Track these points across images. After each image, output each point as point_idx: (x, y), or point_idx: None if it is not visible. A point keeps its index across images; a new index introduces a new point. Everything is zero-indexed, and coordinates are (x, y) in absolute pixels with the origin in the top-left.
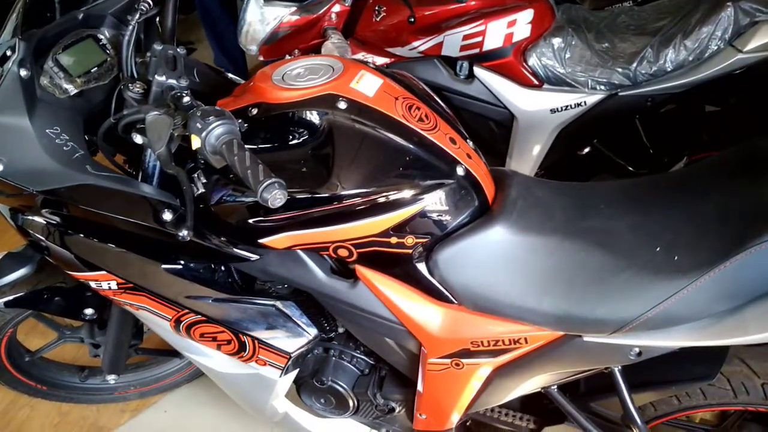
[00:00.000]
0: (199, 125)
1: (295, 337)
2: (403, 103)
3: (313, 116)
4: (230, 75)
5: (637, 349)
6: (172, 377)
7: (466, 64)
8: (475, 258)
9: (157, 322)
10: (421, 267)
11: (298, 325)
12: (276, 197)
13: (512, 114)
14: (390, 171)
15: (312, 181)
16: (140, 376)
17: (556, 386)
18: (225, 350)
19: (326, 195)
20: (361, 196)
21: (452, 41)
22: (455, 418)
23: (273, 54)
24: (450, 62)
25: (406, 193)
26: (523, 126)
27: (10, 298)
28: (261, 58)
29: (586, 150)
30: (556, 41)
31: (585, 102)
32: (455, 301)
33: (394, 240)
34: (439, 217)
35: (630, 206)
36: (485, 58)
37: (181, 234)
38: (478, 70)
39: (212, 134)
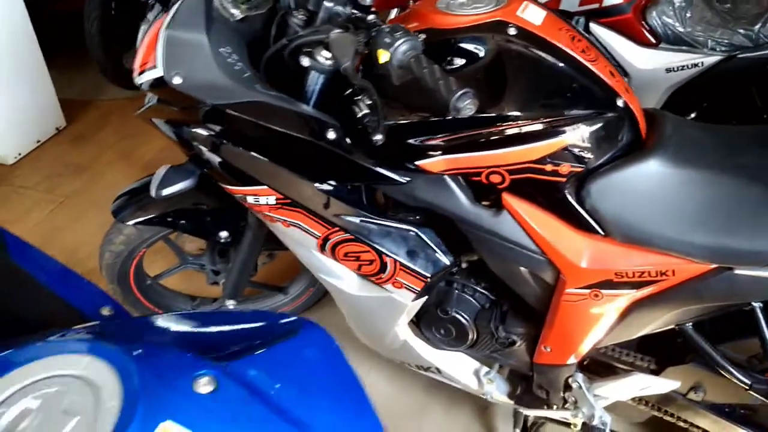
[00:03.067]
0: (387, 40)
1: (432, 264)
2: (567, 34)
3: (483, 41)
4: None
5: None
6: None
7: (582, 20)
8: (630, 189)
9: (303, 241)
10: (571, 197)
11: (435, 252)
12: (468, 106)
13: (626, 72)
14: (554, 98)
15: (479, 103)
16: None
17: (691, 324)
18: (365, 270)
19: (491, 117)
20: (525, 120)
21: None
22: (581, 352)
23: (385, 5)
24: (565, 17)
25: (568, 121)
26: (636, 84)
27: (153, 215)
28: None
29: (693, 114)
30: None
31: (702, 63)
32: (601, 232)
33: (549, 167)
34: (596, 148)
35: None
36: (603, 14)
37: (375, 138)
38: (593, 26)
39: (400, 49)
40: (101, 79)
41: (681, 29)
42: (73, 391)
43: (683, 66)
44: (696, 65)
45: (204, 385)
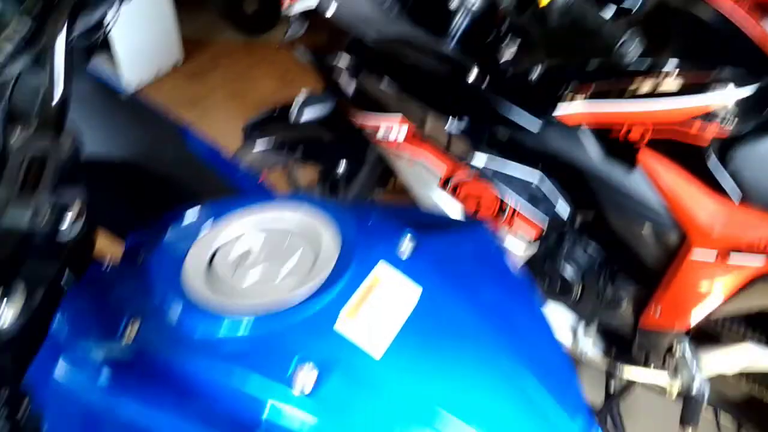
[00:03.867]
0: None
1: (550, 213)
2: None
3: None
4: None
5: None
6: None
7: None
8: None
9: (425, 178)
10: (712, 160)
11: (555, 203)
12: (631, 51)
13: None
14: (714, 55)
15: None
16: None
17: None
18: (483, 212)
19: (644, 68)
20: (677, 74)
21: None
22: (693, 318)
23: None
24: None
25: (724, 82)
26: None
27: (280, 141)
28: None
29: None
30: None
31: None
32: (738, 199)
33: (695, 129)
34: (744, 112)
35: None
36: None
37: (531, 78)
38: None
39: None
40: (217, 19)
41: None
42: (296, 229)
43: None
44: None
45: (407, 244)
